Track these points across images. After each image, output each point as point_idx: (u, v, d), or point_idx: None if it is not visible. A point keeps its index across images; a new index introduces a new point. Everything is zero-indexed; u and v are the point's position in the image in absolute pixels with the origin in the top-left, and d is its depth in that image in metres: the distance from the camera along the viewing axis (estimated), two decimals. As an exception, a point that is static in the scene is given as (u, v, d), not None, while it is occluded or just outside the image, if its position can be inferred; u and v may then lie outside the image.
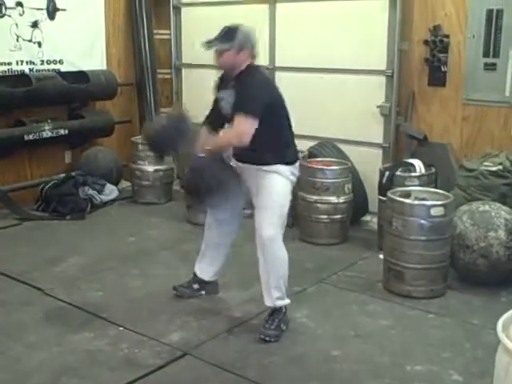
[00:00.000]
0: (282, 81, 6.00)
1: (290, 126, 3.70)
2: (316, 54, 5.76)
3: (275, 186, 3.54)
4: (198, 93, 6.76)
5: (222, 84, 3.72)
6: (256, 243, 3.56)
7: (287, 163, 3.58)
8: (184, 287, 4.06)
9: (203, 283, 4.04)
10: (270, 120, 3.44)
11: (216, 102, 3.74)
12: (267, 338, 3.50)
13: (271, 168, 3.53)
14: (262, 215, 3.53)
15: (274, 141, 3.53)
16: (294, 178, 3.65)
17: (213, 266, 4.00)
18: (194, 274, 4.05)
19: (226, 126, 3.70)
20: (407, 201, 4.14)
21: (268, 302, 3.62)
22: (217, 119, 3.73)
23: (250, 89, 3.45)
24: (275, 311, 3.62)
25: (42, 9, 6.15)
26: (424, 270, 4.07)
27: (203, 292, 4.06)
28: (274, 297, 3.59)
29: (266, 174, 3.54)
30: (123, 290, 4.20)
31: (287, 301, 3.65)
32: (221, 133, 3.69)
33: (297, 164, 3.69)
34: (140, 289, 4.22)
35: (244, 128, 3.36)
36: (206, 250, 3.99)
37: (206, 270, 4.01)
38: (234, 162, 3.74)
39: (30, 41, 6.09)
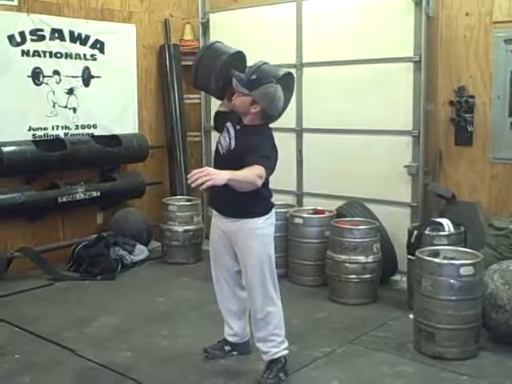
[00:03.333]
0: (310, 142, 6.16)
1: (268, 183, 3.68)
2: (343, 115, 5.87)
3: (257, 252, 3.57)
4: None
5: (227, 116, 3.72)
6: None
7: (262, 214, 3.60)
8: (215, 349, 4.03)
9: (234, 345, 4.02)
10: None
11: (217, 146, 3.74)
12: None
13: (250, 224, 3.55)
14: (253, 292, 3.58)
15: (256, 196, 3.49)
16: (271, 229, 3.69)
17: (235, 328, 3.96)
18: (225, 338, 4.04)
19: None
20: (436, 260, 4.12)
21: (265, 358, 3.67)
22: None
23: (264, 146, 3.43)
24: (272, 362, 3.65)
25: (77, 76, 6.40)
26: (455, 331, 4.00)
27: (235, 353, 4.02)
28: (270, 354, 3.64)
29: (245, 237, 3.56)
30: (152, 350, 4.21)
31: (285, 352, 3.66)
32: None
33: (271, 213, 3.70)
34: (169, 349, 4.22)
35: (262, 174, 3.30)
36: (223, 313, 3.97)
37: (231, 333, 3.99)
38: (215, 217, 3.76)
39: (65, 107, 6.32)
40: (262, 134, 3.52)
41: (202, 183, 3.05)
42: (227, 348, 4.02)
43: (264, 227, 3.62)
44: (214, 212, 3.80)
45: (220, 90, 3.73)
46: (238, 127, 3.58)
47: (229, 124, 3.64)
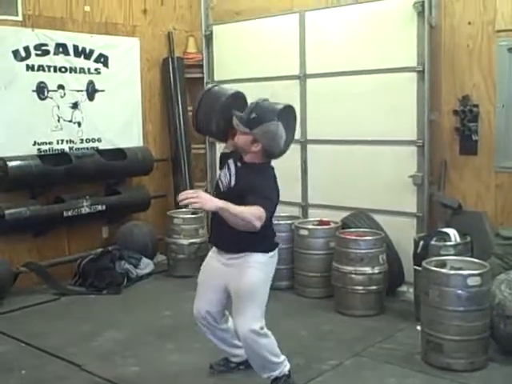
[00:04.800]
0: (314, 153, 6.16)
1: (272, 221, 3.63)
2: (347, 126, 5.86)
3: (254, 282, 3.50)
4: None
5: (230, 154, 3.68)
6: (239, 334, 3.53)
7: (265, 251, 3.55)
8: (221, 365, 3.99)
9: (242, 361, 3.94)
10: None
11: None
12: None
13: (254, 257, 3.49)
14: (242, 311, 3.49)
15: (258, 234, 3.37)
16: (272, 268, 3.62)
17: (234, 352, 3.91)
18: (225, 358, 3.99)
19: None
20: (443, 270, 4.09)
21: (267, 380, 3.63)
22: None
23: (266, 187, 3.37)
24: (276, 379, 3.62)
25: (81, 90, 6.43)
26: (463, 342, 3.97)
27: (242, 367, 3.96)
28: (271, 377, 3.61)
29: (247, 268, 3.50)
30: (159, 364, 4.19)
31: (285, 369, 3.63)
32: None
33: (275, 251, 3.63)
34: (176, 364, 4.21)
35: (262, 216, 3.21)
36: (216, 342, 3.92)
37: (232, 353, 3.93)
38: (214, 252, 3.71)
39: (70, 121, 6.34)
40: (263, 174, 3.47)
41: (190, 203, 3.08)
42: (233, 365, 3.98)
43: (267, 264, 3.56)
44: (214, 249, 3.73)
45: (222, 132, 3.72)
46: (239, 164, 3.53)
47: (230, 161, 3.60)
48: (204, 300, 3.76)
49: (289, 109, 3.59)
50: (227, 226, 3.24)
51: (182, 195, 3.11)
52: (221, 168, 3.74)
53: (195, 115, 3.76)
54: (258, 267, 3.51)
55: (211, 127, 3.67)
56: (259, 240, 3.45)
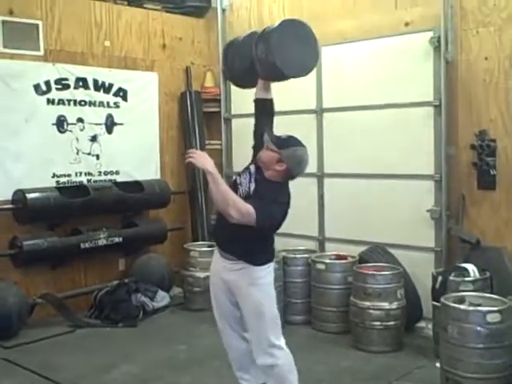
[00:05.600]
0: (331, 187, 6.15)
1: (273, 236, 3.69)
2: (364, 160, 5.87)
3: (257, 300, 3.52)
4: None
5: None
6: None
7: (261, 264, 3.57)
8: None
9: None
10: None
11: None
12: None
13: (251, 272, 3.52)
14: (256, 334, 3.53)
15: (261, 243, 3.52)
16: (271, 278, 3.63)
17: (246, 377, 3.85)
18: None
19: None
20: (462, 307, 4.04)
21: None
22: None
23: (273, 203, 3.40)
24: None
25: (100, 124, 6.52)
26: (483, 380, 3.90)
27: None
28: None
29: (247, 286, 3.52)
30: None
31: None
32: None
33: (271, 264, 3.66)
34: (191, 398, 4.17)
35: (245, 214, 3.24)
36: (233, 363, 3.88)
37: (245, 378, 3.87)
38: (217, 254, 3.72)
39: (88, 154, 6.42)
40: (278, 191, 3.51)
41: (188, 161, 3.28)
42: None
43: (265, 276, 3.59)
44: (216, 252, 3.76)
45: (247, 72, 3.81)
46: (258, 176, 3.58)
47: (252, 167, 3.65)
48: (222, 311, 3.77)
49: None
50: (238, 229, 3.30)
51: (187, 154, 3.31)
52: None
53: (224, 62, 4.01)
54: (258, 283, 3.53)
55: (236, 65, 3.86)
56: (258, 250, 3.51)
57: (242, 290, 3.56)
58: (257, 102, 3.86)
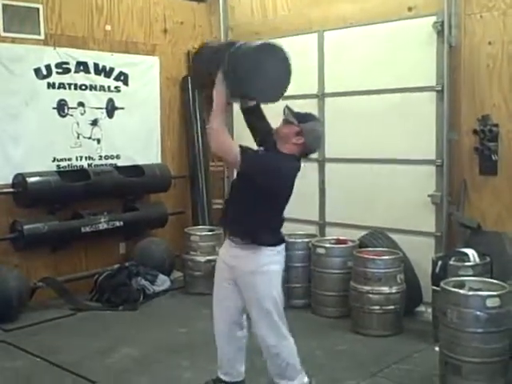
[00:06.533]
0: (332, 172, 6.14)
1: (281, 215, 3.64)
2: (365, 145, 5.86)
3: (262, 291, 3.52)
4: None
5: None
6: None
7: (270, 245, 3.54)
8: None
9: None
10: (266, 204, 3.44)
11: None
12: None
13: (257, 259, 3.50)
14: (255, 313, 3.52)
15: (263, 222, 3.49)
16: (278, 267, 3.60)
17: (233, 369, 3.84)
18: (217, 376, 3.92)
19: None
20: (461, 291, 4.03)
21: None
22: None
23: (272, 159, 3.46)
24: None
25: (101, 108, 6.50)
26: (482, 364, 3.89)
27: None
28: None
29: (250, 275, 3.51)
30: (173, 382, 4.17)
31: (305, 380, 3.62)
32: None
33: (281, 247, 3.63)
34: (190, 381, 4.18)
35: (226, 150, 3.37)
36: (218, 349, 3.88)
37: (223, 371, 3.87)
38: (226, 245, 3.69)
39: (89, 138, 6.41)
40: (287, 161, 3.48)
41: None
42: None
43: (270, 263, 3.54)
44: (226, 240, 3.73)
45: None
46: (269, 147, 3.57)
47: (261, 149, 3.63)
48: (221, 301, 3.75)
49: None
50: (240, 208, 3.38)
51: None
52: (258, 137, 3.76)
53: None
54: (262, 271, 3.50)
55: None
56: (261, 228, 3.48)
57: (245, 278, 3.53)
58: (243, 111, 3.80)
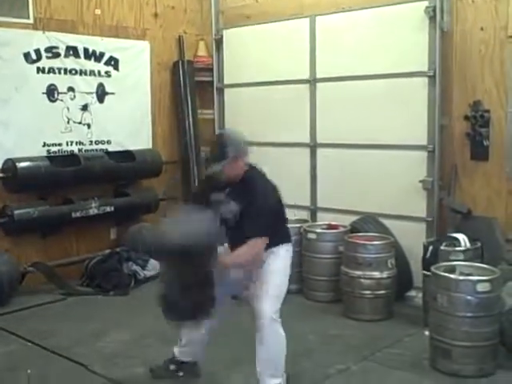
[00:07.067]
0: (324, 157, 6.14)
1: (284, 217, 3.73)
2: (357, 130, 5.85)
3: (272, 269, 3.57)
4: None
5: (212, 189, 3.67)
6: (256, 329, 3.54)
7: (281, 243, 3.63)
8: (161, 368, 3.96)
9: (181, 364, 3.92)
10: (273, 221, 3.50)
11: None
12: None
13: (271, 250, 3.56)
14: (260, 300, 3.53)
15: (272, 233, 3.51)
16: (288, 257, 3.69)
17: (189, 346, 3.87)
18: (173, 355, 3.95)
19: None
20: (452, 276, 4.05)
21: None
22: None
23: (258, 207, 3.42)
24: None
25: (91, 93, 6.45)
26: (472, 348, 3.94)
27: (181, 373, 3.91)
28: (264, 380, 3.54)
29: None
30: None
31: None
32: (237, 251, 3.49)
33: (290, 245, 3.72)
34: (181, 365, 4.18)
35: (259, 250, 3.44)
36: (182, 330, 3.89)
37: (182, 351, 3.90)
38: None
39: (79, 123, 6.36)
40: (251, 185, 3.49)
41: None
42: (172, 367, 3.93)
43: (283, 256, 3.64)
44: None
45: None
46: (227, 190, 3.56)
47: (217, 194, 3.60)
48: None
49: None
50: (239, 237, 3.40)
51: None
52: (197, 202, 3.70)
53: None
54: (274, 257, 3.57)
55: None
56: (276, 238, 3.55)
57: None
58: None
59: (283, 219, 3.72)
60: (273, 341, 3.51)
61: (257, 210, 3.40)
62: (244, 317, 3.80)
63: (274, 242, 3.54)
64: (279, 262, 3.61)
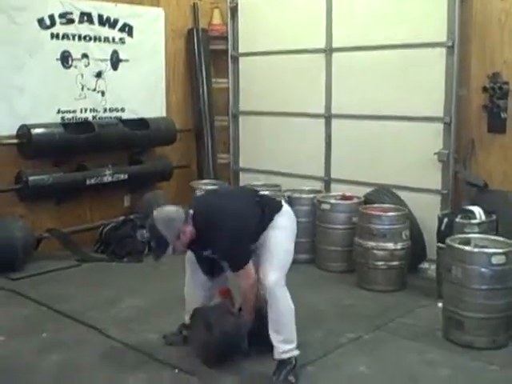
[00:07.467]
0: (339, 128, 6.10)
1: (257, 210, 3.67)
2: (372, 101, 5.79)
3: (277, 235, 3.58)
4: (254, 139, 6.92)
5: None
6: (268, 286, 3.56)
7: (271, 219, 3.64)
8: (174, 335, 4.01)
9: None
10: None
11: (195, 254, 3.80)
12: None
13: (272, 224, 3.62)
14: (265, 265, 3.54)
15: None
16: (288, 223, 3.69)
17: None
18: (184, 321, 4.00)
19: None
20: (467, 248, 4.04)
21: (275, 355, 3.55)
22: (211, 267, 3.82)
23: (223, 247, 3.47)
24: (282, 363, 3.53)
25: (105, 60, 6.42)
26: (486, 320, 3.94)
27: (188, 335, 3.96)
28: (280, 350, 3.53)
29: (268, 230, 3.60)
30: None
31: (295, 352, 3.56)
32: (240, 296, 3.71)
33: (283, 209, 3.72)
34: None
35: (248, 278, 3.52)
36: (187, 295, 3.98)
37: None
38: None
39: (94, 90, 6.34)
40: (208, 228, 3.49)
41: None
42: (185, 333, 3.97)
43: (283, 223, 3.65)
44: None
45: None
46: (198, 242, 3.60)
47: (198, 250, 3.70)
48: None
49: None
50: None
51: None
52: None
53: None
54: (278, 226, 3.60)
55: None
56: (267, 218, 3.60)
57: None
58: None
59: (257, 213, 3.64)
60: (282, 306, 3.52)
61: (227, 249, 3.47)
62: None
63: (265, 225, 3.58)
64: (278, 232, 3.61)
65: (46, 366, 3.70)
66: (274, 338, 3.54)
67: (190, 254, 3.87)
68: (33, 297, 4.80)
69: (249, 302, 3.65)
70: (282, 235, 3.62)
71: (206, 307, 3.86)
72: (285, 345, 3.52)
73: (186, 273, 3.97)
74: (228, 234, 3.45)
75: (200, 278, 3.87)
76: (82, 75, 6.23)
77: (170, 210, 3.65)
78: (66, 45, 6.08)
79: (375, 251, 5.01)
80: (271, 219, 3.64)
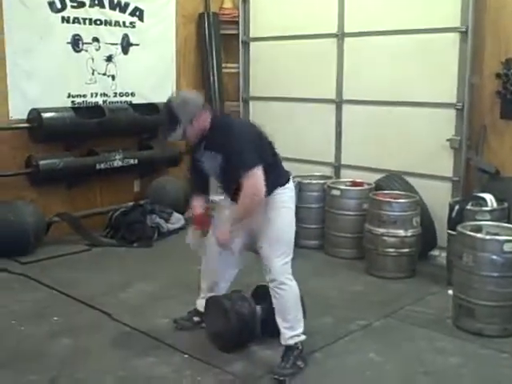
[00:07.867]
0: (350, 114, 6.06)
1: (274, 153, 3.59)
2: (385, 86, 5.75)
3: (277, 217, 3.50)
4: (265, 124, 6.85)
5: (194, 146, 3.62)
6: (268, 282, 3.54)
7: (280, 185, 3.53)
8: (185, 320, 4.02)
9: (202, 314, 3.98)
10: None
11: (195, 165, 3.70)
12: (281, 378, 3.39)
13: (273, 199, 3.48)
14: (268, 248, 3.49)
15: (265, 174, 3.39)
16: (292, 203, 3.59)
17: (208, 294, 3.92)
18: (195, 307, 4.01)
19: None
20: (479, 235, 4.02)
21: (282, 341, 3.54)
22: (204, 183, 3.77)
23: (234, 143, 3.34)
24: (289, 348, 3.51)
25: (116, 44, 6.40)
26: (497, 308, 3.92)
27: (204, 324, 3.97)
28: (287, 336, 3.51)
29: (268, 211, 3.48)
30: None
31: (302, 337, 3.54)
32: (235, 206, 3.49)
33: (290, 184, 3.61)
34: (205, 317, 4.22)
35: (255, 183, 3.30)
36: (202, 282, 3.99)
37: (202, 302, 3.94)
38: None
39: (104, 74, 6.33)
40: (221, 129, 3.41)
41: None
42: (196, 319, 3.99)
43: (286, 200, 3.54)
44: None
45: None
46: (202, 149, 3.52)
47: (198, 155, 3.58)
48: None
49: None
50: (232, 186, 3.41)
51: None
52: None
53: None
54: (280, 206, 3.51)
55: None
56: (272, 181, 3.42)
57: (263, 215, 3.50)
58: None
59: (271, 155, 3.55)
60: (288, 293, 3.50)
61: (238, 145, 3.32)
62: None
63: (273, 185, 3.44)
64: (285, 212, 3.53)
65: (56, 350, 3.72)
66: (280, 324, 3.54)
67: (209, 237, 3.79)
68: (43, 281, 4.82)
69: (243, 212, 3.40)
70: (283, 217, 3.52)
71: (220, 295, 3.84)
72: (291, 331, 3.52)
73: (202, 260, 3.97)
74: (242, 131, 3.41)
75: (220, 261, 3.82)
76: (93, 59, 6.22)
77: (189, 93, 3.65)
78: (76, 28, 6.06)
79: (385, 238, 4.99)
80: (276, 186, 3.52)
